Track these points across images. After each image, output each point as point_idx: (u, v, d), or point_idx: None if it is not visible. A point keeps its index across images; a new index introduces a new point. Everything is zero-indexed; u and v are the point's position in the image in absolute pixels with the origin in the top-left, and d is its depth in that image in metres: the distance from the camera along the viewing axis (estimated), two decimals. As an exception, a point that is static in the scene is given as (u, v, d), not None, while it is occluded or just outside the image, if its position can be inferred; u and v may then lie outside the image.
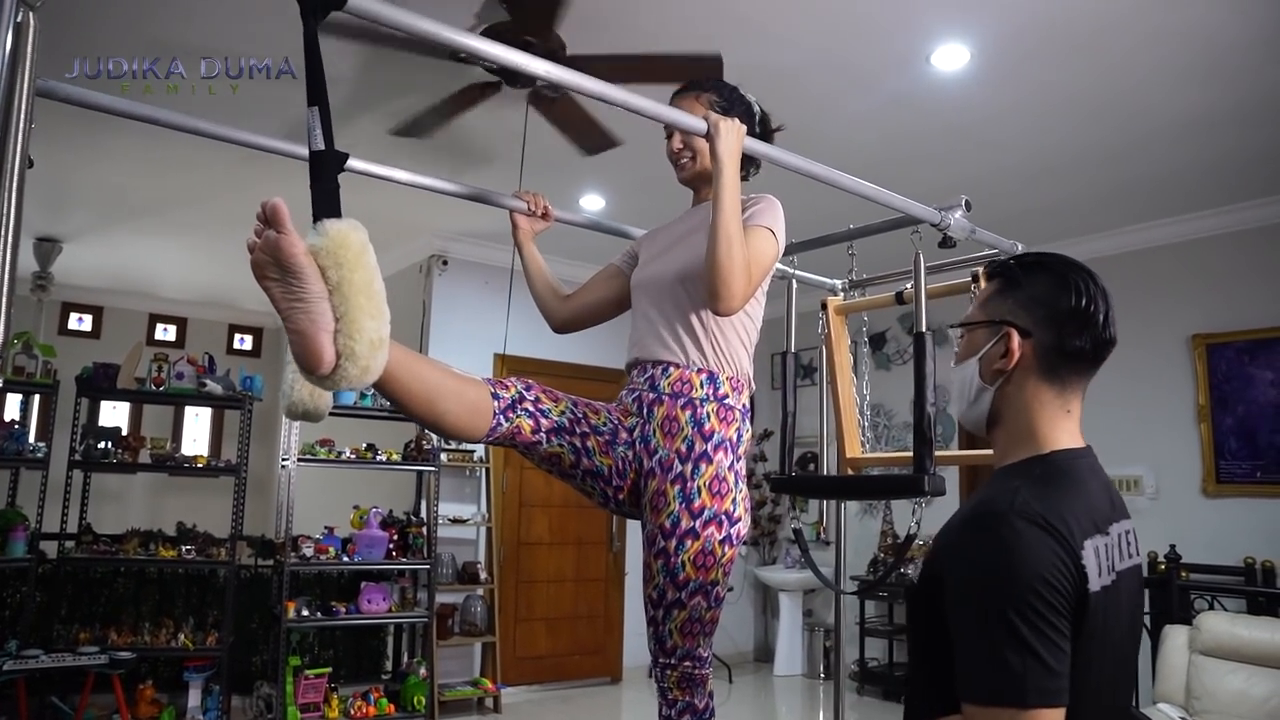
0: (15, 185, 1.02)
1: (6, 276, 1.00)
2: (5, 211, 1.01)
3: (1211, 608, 4.21)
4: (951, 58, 3.32)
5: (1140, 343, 4.92)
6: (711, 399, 1.86)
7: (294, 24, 1.30)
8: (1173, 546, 4.43)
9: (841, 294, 3.03)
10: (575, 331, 2.21)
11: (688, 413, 1.84)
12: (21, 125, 1.04)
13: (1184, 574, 4.36)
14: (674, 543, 1.81)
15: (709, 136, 1.76)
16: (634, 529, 6.42)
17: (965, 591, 1.06)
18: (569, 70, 1.59)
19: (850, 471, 2.83)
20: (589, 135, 3.78)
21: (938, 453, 2.34)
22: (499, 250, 5.96)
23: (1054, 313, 1.21)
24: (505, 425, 1.70)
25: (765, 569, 6.94)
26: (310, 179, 1.50)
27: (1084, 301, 1.20)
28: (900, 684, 5.79)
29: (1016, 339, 1.21)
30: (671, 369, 1.88)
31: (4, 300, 0.99)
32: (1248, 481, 4.60)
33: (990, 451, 2.55)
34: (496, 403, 1.68)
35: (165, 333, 7.98)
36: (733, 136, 1.76)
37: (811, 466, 6.09)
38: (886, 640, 6.06)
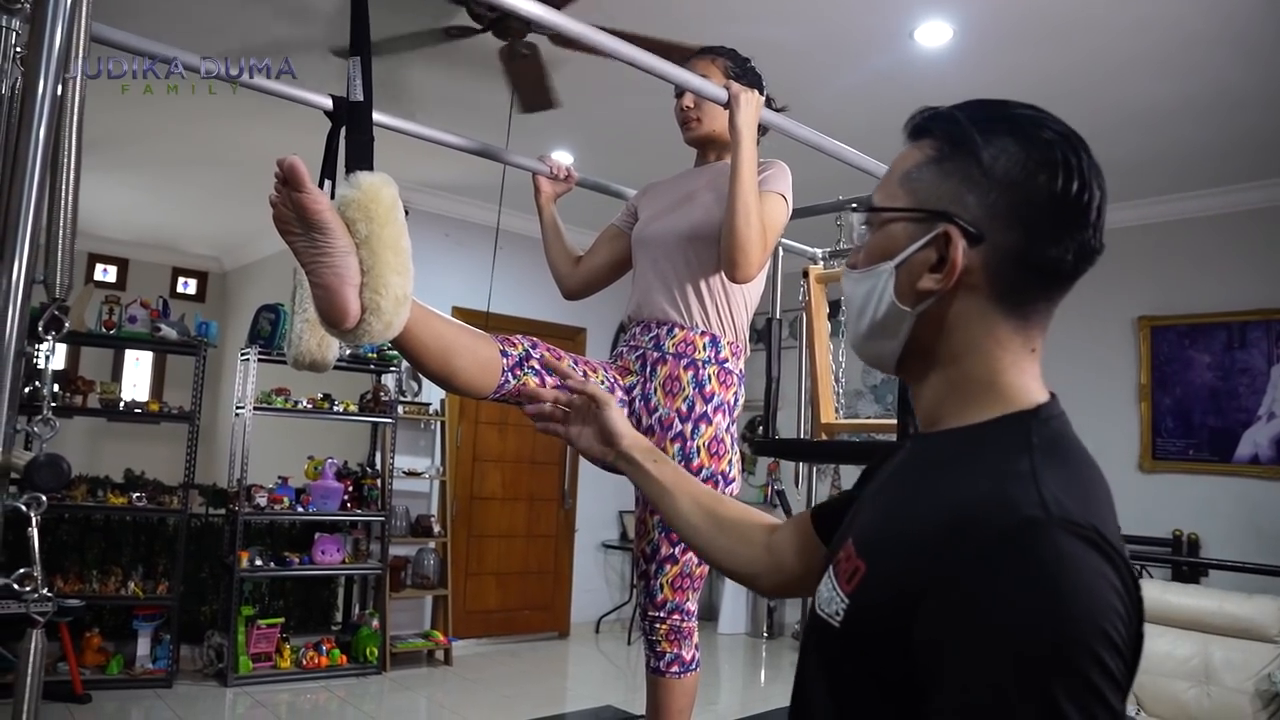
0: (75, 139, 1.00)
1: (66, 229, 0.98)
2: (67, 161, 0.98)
3: (1140, 577, 4.44)
4: (934, 34, 3.37)
5: (1089, 322, 5.10)
6: (713, 361, 1.91)
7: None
8: (1113, 518, 4.63)
9: (822, 263, 3.10)
10: (584, 297, 2.21)
11: (690, 373, 1.89)
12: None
13: (1121, 544, 4.59)
14: None
15: (729, 106, 1.78)
16: (586, 487, 6.50)
17: (978, 644, 0.64)
18: (596, 30, 1.58)
19: (824, 436, 2.91)
20: (536, 95, 3.73)
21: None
22: (459, 202, 5.90)
23: (1024, 202, 0.77)
24: (512, 383, 1.70)
25: (712, 529, 7.06)
26: (346, 128, 1.49)
27: (1074, 187, 0.76)
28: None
29: (960, 244, 0.78)
30: (676, 330, 1.91)
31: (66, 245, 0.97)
32: (1181, 459, 4.84)
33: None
34: (505, 360, 1.68)
35: (105, 274, 7.71)
36: (751, 108, 1.78)
37: (760, 430, 6.20)
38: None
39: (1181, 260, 4.97)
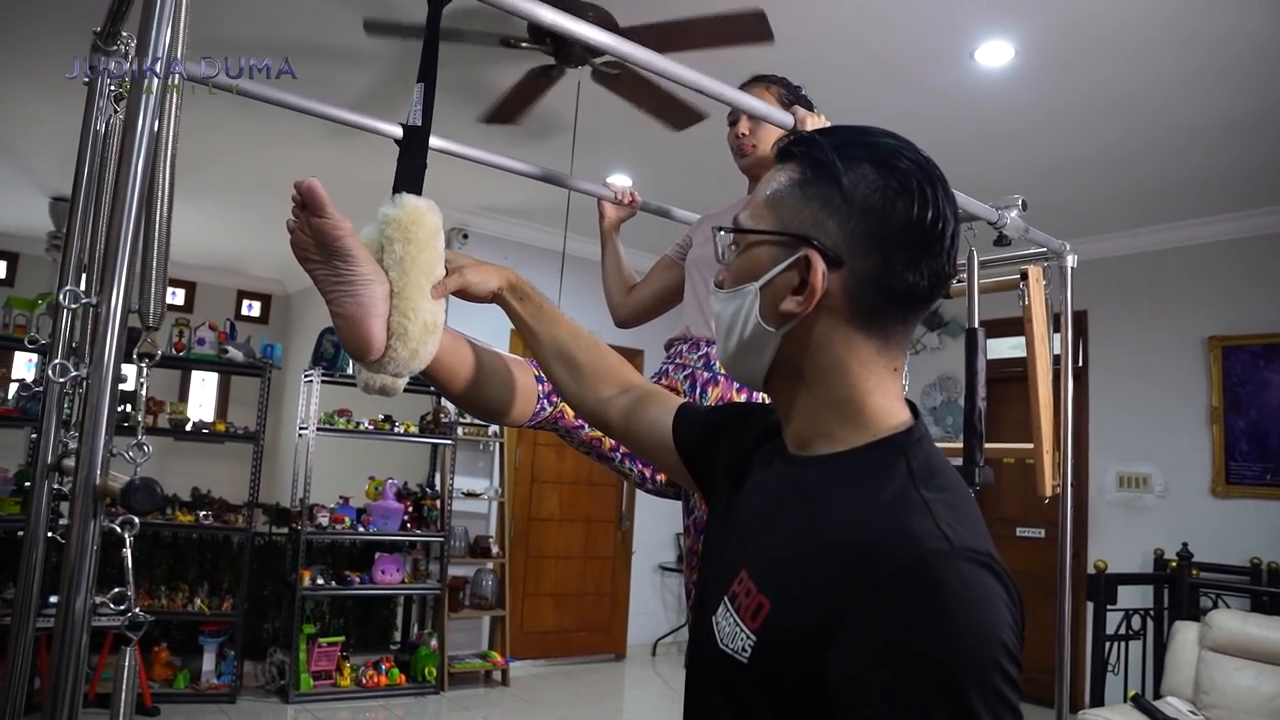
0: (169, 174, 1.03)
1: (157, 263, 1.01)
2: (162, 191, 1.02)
3: (1215, 606, 4.28)
4: (996, 54, 3.33)
5: (1156, 342, 4.97)
6: None
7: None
8: (1185, 545, 4.49)
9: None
10: (635, 326, 2.21)
11: (743, 396, 1.86)
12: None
13: (1194, 572, 4.43)
14: None
15: (794, 131, 1.77)
16: (643, 509, 6.48)
17: (900, 669, 0.67)
18: (636, 46, 1.58)
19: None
20: (513, 111, 3.71)
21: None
22: (519, 225, 5.96)
23: (882, 228, 0.79)
24: (549, 410, 1.63)
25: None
26: (400, 152, 1.51)
27: (929, 215, 0.79)
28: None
29: (820, 268, 0.80)
30: None
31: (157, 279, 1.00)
32: (1257, 484, 4.67)
33: (1029, 445, 2.61)
34: (541, 386, 1.61)
35: (174, 296, 7.95)
36: None
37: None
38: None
39: (1254, 278, 4.82)
